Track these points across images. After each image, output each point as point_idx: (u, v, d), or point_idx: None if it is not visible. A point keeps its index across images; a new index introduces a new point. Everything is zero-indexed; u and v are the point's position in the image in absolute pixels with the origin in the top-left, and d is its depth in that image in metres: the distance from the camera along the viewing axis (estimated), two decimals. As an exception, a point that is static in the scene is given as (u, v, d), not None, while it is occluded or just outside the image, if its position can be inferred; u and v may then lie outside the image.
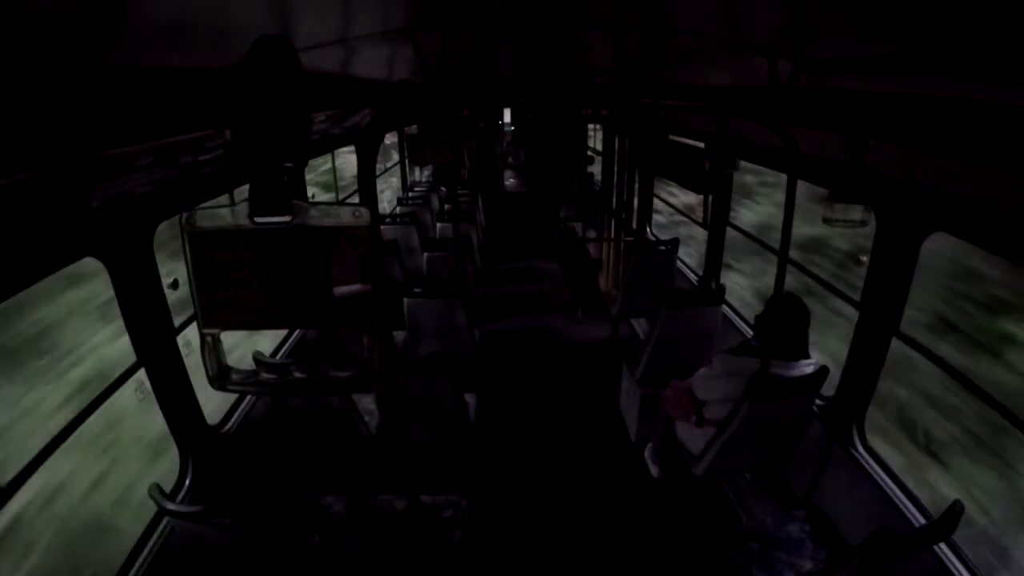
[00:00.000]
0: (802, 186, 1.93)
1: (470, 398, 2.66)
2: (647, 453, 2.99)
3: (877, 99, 0.87)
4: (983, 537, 3.80)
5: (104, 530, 4.12)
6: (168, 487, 1.88)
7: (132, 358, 1.84)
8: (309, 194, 4.09)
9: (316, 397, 2.30)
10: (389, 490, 2.21)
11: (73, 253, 1.53)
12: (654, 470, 2.90)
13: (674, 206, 4.94)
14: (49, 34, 0.77)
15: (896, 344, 1.97)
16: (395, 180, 7.27)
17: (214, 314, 0.60)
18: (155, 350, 1.85)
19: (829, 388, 2.17)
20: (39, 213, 1.18)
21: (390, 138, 7.20)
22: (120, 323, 1.78)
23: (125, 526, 4.08)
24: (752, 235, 3.58)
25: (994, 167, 0.70)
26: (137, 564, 1.70)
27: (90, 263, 1.62)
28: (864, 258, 2.05)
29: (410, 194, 6.44)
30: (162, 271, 1.90)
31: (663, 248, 3.72)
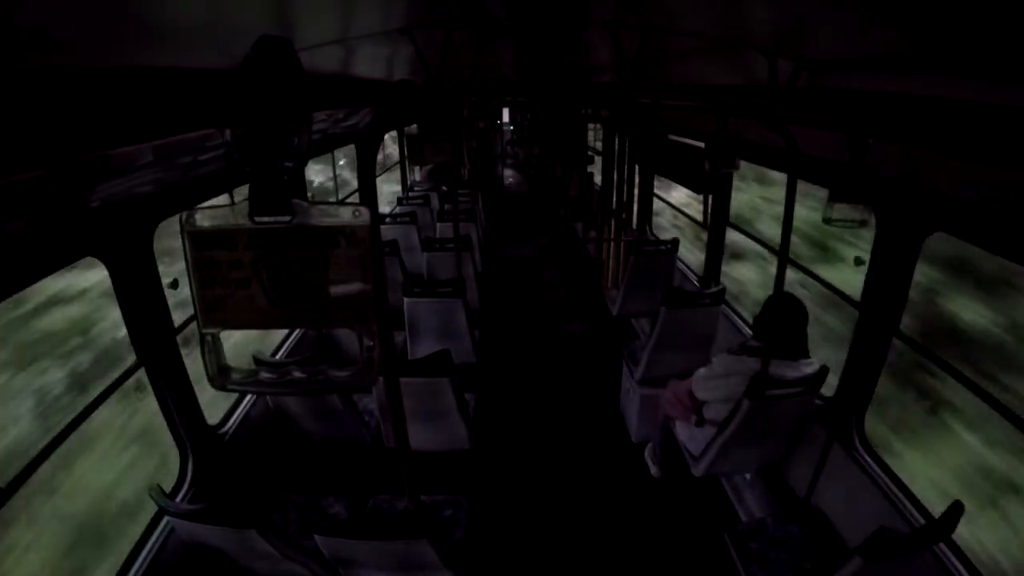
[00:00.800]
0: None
1: (470, 398, 2.66)
2: (647, 453, 2.99)
3: (877, 99, 0.87)
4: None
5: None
6: (168, 487, 1.88)
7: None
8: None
9: (316, 397, 2.30)
10: (389, 490, 2.21)
11: (73, 253, 1.53)
12: (654, 470, 2.90)
13: (671, 204, 4.95)
14: (49, 34, 0.77)
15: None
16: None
17: (214, 314, 0.60)
18: (155, 350, 1.85)
19: (829, 388, 2.17)
20: (39, 213, 1.18)
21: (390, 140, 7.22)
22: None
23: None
24: (752, 235, 3.58)
25: (994, 167, 0.70)
26: (137, 564, 1.70)
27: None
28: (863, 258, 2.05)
29: (410, 194, 6.45)
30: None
31: (663, 248, 3.72)
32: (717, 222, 3.53)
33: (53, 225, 1.28)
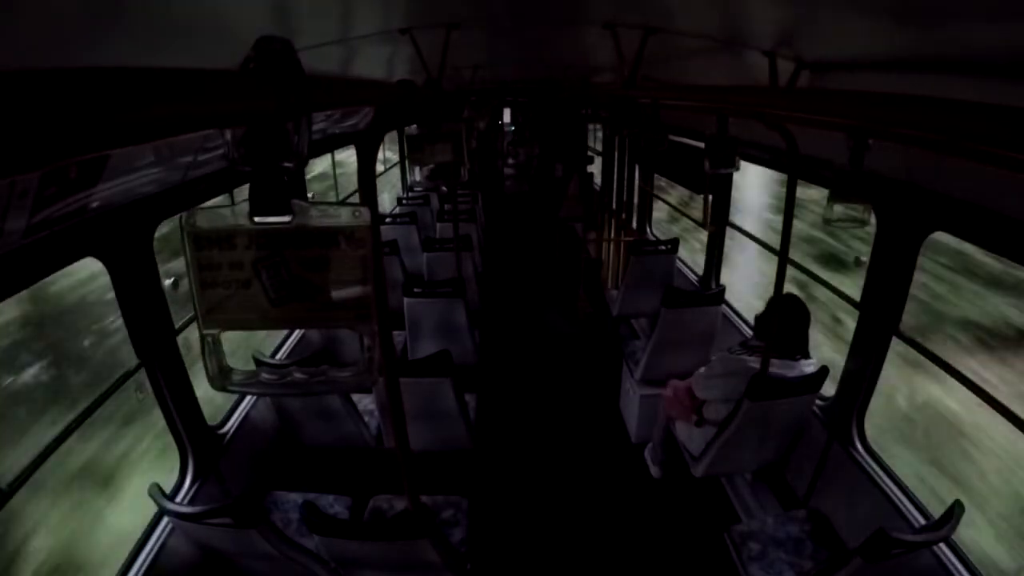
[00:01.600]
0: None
1: (470, 398, 2.66)
2: (647, 453, 2.99)
3: (877, 99, 0.87)
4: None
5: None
6: (168, 487, 1.88)
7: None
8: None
9: (316, 397, 2.30)
10: (389, 490, 2.21)
11: (73, 253, 1.53)
12: (654, 470, 2.90)
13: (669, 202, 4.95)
14: (49, 33, 0.77)
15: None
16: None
17: (214, 314, 0.60)
18: (155, 350, 1.85)
19: (829, 388, 2.17)
20: (39, 213, 1.18)
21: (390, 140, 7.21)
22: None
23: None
24: (752, 235, 3.58)
25: (994, 167, 0.70)
26: (137, 564, 1.70)
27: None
28: (863, 258, 2.05)
29: (410, 194, 6.44)
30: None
31: (663, 248, 3.72)
32: (717, 222, 3.53)
33: (53, 225, 1.28)
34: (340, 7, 1.42)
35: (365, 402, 2.71)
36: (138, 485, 4.92)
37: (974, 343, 5.84)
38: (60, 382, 6.01)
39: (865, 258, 2.04)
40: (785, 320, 2.09)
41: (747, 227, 3.65)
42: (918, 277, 1.84)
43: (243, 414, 2.44)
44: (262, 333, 3.19)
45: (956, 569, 1.60)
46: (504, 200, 9.77)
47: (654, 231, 5.03)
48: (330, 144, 3.77)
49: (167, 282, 1.97)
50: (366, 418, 2.52)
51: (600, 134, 7.02)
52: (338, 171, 5.77)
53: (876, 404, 2.08)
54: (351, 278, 0.60)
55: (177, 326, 1.99)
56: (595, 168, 7.27)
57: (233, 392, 0.68)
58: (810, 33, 1.49)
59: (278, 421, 2.50)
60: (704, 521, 2.57)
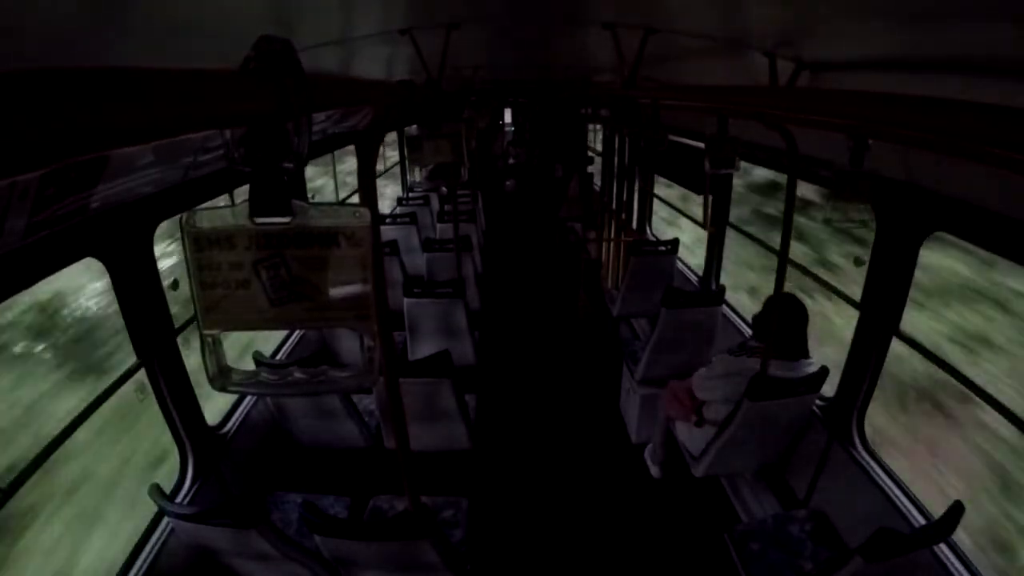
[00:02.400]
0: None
1: (470, 398, 2.66)
2: (647, 453, 2.99)
3: (877, 99, 0.87)
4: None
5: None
6: (168, 487, 1.88)
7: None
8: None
9: (316, 397, 2.30)
10: (389, 490, 2.21)
11: (73, 253, 1.53)
12: (654, 470, 2.90)
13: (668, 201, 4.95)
14: (49, 33, 0.77)
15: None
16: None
17: (214, 315, 0.60)
18: (155, 350, 1.85)
19: (829, 388, 2.17)
20: (39, 213, 1.18)
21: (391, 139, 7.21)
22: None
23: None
24: (752, 235, 3.58)
25: (994, 167, 0.70)
26: (137, 564, 1.70)
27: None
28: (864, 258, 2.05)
29: (410, 194, 6.44)
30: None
31: (663, 248, 3.72)
32: (717, 222, 3.53)
33: (53, 225, 1.28)
34: (340, 7, 1.42)
35: (365, 402, 2.71)
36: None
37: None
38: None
39: (865, 258, 2.04)
40: (784, 320, 2.09)
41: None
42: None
43: (243, 414, 2.44)
44: (263, 336, 3.19)
45: (956, 569, 1.60)
46: (504, 200, 9.78)
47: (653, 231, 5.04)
48: (330, 144, 3.77)
49: (167, 282, 1.97)
50: (366, 418, 2.52)
51: (600, 134, 7.01)
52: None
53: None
54: (351, 278, 0.60)
55: (177, 326, 1.99)
56: (595, 168, 7.27)
57: (233, 392, 0.68)
58: (810, 33, 1.49)
59: (278, 421, 2.50)
60: (704, 521, 2.57)
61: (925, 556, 1.63)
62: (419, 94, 1.54)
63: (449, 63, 2.10)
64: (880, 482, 1.95)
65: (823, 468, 2.17)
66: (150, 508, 1.70)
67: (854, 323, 2.08)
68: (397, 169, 7.18)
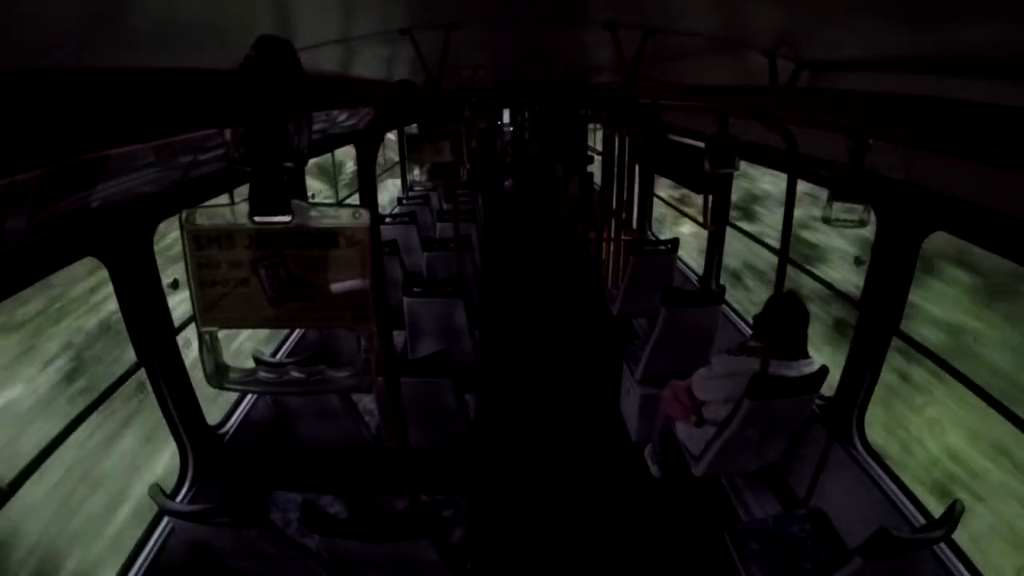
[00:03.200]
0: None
1: (470, 398, 2.66)
2: (647, 453, 2.99)
3: (877, 99, 0.87)
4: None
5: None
6: (168, 487, 1.88)
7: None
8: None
9: (316, 397, 2.30)
10: (389, 490, 2.21)
11: (73, 253, 1.53)
12: (654, 470, 2.90)
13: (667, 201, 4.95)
14: (49, 33, 0.77)
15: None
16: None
17: (213, 313, 0.60)
18: (155, 350, 1.85)
19: (829, 388, 2.17)
20: (39, 213, 1.18)
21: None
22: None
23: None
24: (753, 235, 3.58)
25: (994, 167, 0.70)
26: (137, 564, 1.70)
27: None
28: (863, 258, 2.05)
29: (410, 194, 6.44)
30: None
31: (663, 248, 3.72)
32: (717, 222, 3.53)
33: (53, 225, 1.28)
34: (340, 7, 1.42)
35: (365, 402, 2.71)
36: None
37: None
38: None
39: (864, 258, 2.04)
40: (784, 320, 2.09)
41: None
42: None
43: (243, 414, 2.44)
44: (263, 335, 3.19)
45: (956, 569, 1.60)
46: (504, 200, 9.78)
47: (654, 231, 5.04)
48: (330, 144, 3.77)
49: (167, 282, 1.97)
50: (366, 418, 2.52)
51: (600, 134, 7.02)
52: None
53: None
54: (350, 278, 0.60)
55: (177, 326, 1.99)
56: (595, 168, 7.28)
57: (231, 390, 0.68)
58: (810, 33, 1.49)
59: (278, 421, 2.50)
60: (704, 521, 2.57)
61: (925, 556, 1.63)
62: (419, 94, 1.54)
63: (449, 63, 2.10)
64: (880, 482, 1.95)
65: (823, 468, 2.17)
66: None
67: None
68: (395, 168, 7.19)
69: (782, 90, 1.70)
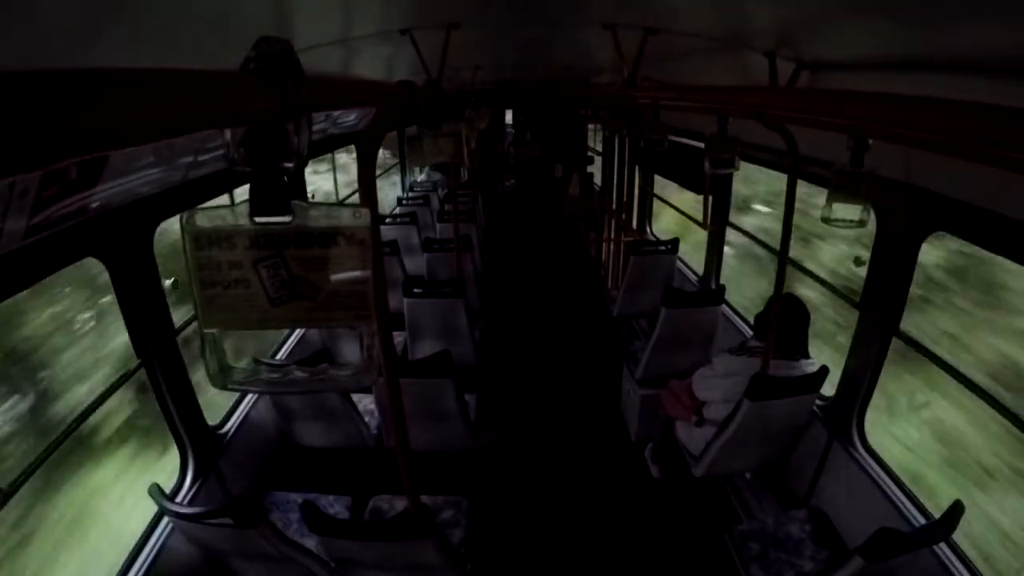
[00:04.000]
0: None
1: (470, 398, 2.66)
2: (647, 453, 2.99)
3: (877, 99, 0.87)
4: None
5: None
6: (168, 487, 1.88)
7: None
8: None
9: (316, 397, 2.30)
10: (389, 490, 2.21)
11: (73, 253, 1.53)
12: (654, 470, 2.90)
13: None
14: (49, 33, 0.77)
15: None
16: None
17: (214, 314, 0.60)
18: (155, 350, 1.85)
19: (829, 388, 2.17)
20: (39, 213, 1.18)
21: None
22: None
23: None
24: (753, 235, 3.58)
25: (994, 167, 0.70)
26: (137, 564, 1.70)
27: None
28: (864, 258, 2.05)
29: (410, 194, 6.44)
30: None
31: (663, 248, 3.72)
32: (717, 222, 3.53)
33: (53, 225, 1.28)
34: (340, 7, 1.42)
35: (365, 402, 2.71)
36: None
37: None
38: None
39: (865, 258, 2.04)
40: (784, 320, 2.09)
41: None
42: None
43: (243, 414, 2.44)
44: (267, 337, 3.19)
45: (956, 569, 1.60)
46: (504, 200, 9.78)
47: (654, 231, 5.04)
48: (330, 144, 3.77)
49: (167, 282, 1.97)
50: (366, 418, 2.52)
51: (600, 134, 7.02)
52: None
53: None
54: (351, 278, 0.61)
55: (177, 326, 1.99)
56: (595, 168, 7.28)
57: (233, 390, 0.68)
58: (810, 33, 1.49)
59: (278, 421, 2.50)
60: (704, 521, 2.57)
61: (925, 556, 1.63)
62: (419, 94, 1.54)
63: (449, 63, 2.10)
64: (880, 482, 1.95)
65: (823, 468, 2.17)
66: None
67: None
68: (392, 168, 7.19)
69: (782, 90, 1.70)
